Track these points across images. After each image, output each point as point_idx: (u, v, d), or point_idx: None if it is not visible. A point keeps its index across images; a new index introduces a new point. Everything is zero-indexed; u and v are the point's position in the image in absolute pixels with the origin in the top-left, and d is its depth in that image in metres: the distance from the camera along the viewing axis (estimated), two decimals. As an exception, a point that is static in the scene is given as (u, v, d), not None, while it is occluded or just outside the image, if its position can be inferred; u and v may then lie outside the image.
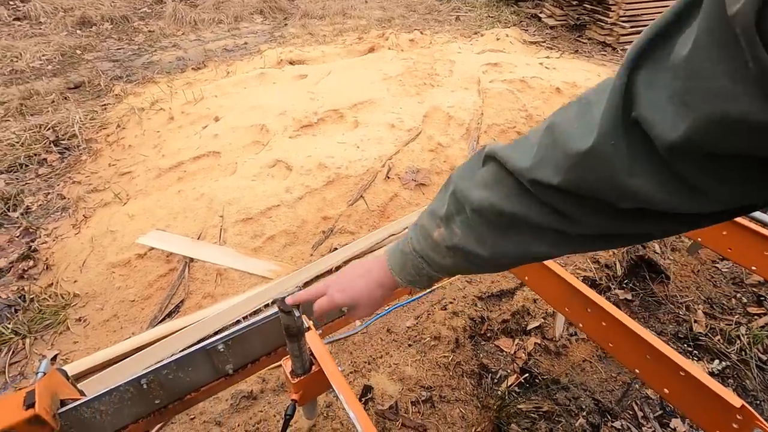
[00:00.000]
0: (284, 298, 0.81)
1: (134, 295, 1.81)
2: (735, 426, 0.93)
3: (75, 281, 1.87)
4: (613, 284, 2.00)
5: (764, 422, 0.88)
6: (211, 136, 2.60)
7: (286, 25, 5.60)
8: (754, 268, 1.38)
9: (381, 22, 5.56)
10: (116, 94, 3.57)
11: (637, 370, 1.11)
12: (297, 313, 0.81)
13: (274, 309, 0.86)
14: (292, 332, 0.81)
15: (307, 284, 1.84)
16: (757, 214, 1.45)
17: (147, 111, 3.11)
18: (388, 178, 2.24)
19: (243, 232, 1.95)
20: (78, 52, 4.62)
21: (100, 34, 5.19)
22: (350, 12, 5.90)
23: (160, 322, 1.70)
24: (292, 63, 4.00)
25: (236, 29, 5.49)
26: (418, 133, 2.52)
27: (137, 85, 3.72)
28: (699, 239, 1.45)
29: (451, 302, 1.82)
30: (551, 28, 5.42)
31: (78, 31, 5.22)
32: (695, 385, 0.97)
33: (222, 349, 0.91)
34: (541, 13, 5.74)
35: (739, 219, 1.39)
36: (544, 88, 3.09)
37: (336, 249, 1.94)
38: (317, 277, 1.87)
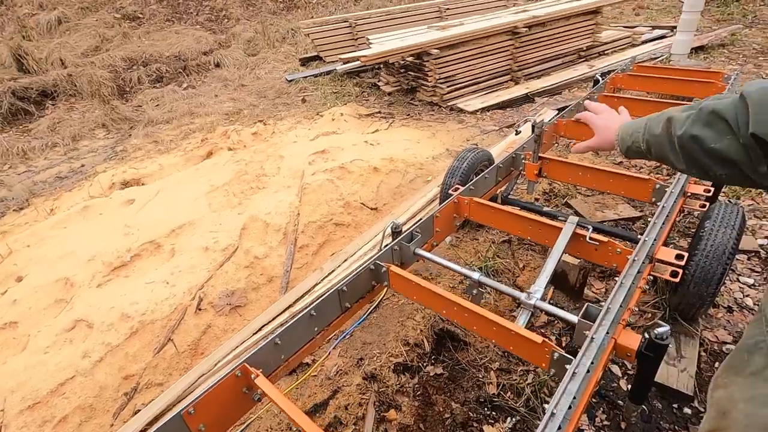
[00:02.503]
0: None
1: None
2: None
3: None
4: (424, 362, 2.14)
5: None
6: (9, 304, 2.39)
7: (130, 135, 5.49)
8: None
9: (229, 116, 5.69)
10: None
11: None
12: None
13: None
14: None
15: (101, 466, 1.72)
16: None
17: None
18: (200, 310, 2.22)
19: (29, 422, 1.79)
20: None
21: None
22: (198, 110, 5.97)
23: None
24: (125, 184, 3.90)
25: (74, 150, 5.25)
26: (234, 250, 2.57)
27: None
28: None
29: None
30: (389, 94, 5.96)
31: None
32: None
33: None
34: (379, 81, 6.30)
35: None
36: (363, 170, 3.34)
37: (139, 411, 1.85)
38: (119, 450, 1.76)
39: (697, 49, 6.10)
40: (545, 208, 2.74)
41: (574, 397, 1.31)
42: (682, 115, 0.86)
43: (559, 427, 1.24)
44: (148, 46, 8.77)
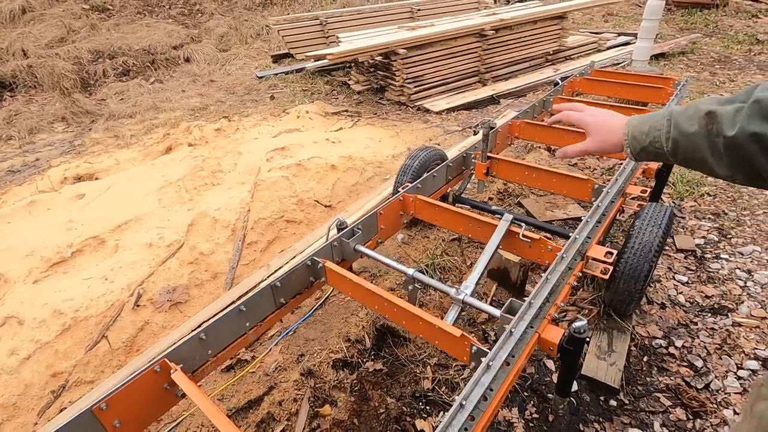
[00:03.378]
0: None
1: None
2: None
3: None
4: (364, 358, 2.15)
5: None
6: (-63, 302, 2.30)
7: (90, 129, 5.34)
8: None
9: (195, 112, 5.59)
10: None
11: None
12: None
13: None
14: None
15: (20, 465, 1.67)
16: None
17: None
18: (138, 306, 2.18)
19: (-55, 421, 1.72)
20: None
21: None
22: (163, 105, 5.85)
23: None
24: (79, 179, 3.79)
25: (30, 143, 5.08)
26: (180, 246, 2.53)
27: None
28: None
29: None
30: (359, 93, 5.96)
31: None
32: None
33: None
34: (349, 80, 6.29)
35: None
36: (320, 167, 3.34)
37: (65, 408, 1.81)
38: (41, 449, 1.71)
39: (658, 56, 6.30)
40: (494, 207, 2.78)
41: (491, 389, 1.34)
42: (727, 108, 0.70)
43: (473, 418, 1.27)
44: (117, 39, 8.54)
